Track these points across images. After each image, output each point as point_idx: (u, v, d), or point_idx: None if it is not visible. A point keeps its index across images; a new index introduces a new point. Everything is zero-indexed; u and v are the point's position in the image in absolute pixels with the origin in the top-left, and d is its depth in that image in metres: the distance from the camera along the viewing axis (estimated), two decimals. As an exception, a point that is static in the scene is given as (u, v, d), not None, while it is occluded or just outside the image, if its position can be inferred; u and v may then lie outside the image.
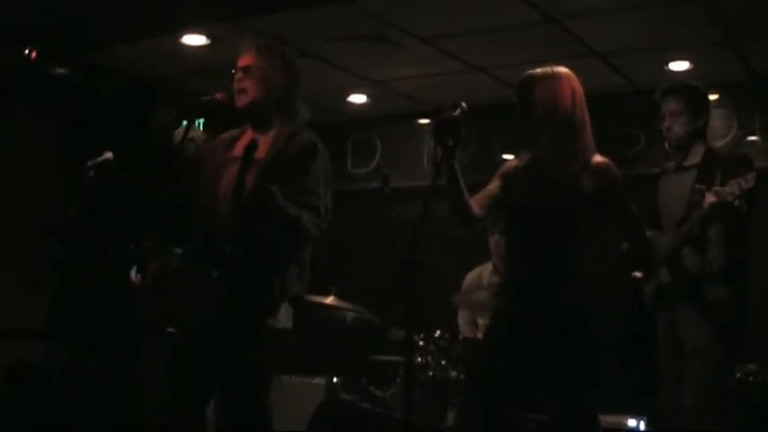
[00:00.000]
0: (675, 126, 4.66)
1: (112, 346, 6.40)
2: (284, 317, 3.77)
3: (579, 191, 3.42)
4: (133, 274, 5.57)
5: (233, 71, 3.92)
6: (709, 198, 4.29)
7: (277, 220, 3.65)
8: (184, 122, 5.72)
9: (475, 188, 3.60)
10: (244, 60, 3.93)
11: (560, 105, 3.49)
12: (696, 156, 4.64)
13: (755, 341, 4.88)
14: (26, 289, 6.87)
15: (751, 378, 5.50)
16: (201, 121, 7.96)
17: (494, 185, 3.65)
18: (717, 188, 4.29)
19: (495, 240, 6.38)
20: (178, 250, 5.60)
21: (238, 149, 3.87)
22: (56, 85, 6.73)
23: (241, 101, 3.89)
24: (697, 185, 4.50)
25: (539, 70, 3.58)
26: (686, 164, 4.68)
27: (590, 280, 3.45)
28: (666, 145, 4.81)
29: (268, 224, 3.67)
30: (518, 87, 3.61)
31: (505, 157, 7.41)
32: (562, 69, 3.58)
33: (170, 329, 5.61)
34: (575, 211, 3.43)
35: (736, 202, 4.23)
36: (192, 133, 5.66)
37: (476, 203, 3.54)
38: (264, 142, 3.83)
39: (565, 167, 3.45)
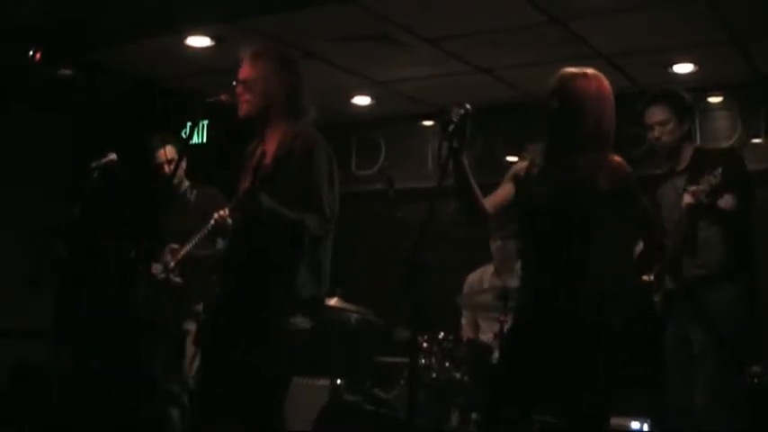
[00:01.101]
0: (664, 135, 4.72)
1: (113, 346, 6.41)
2: (300, 319, 3.76)
3: (599, 192, 3.39)
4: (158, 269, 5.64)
5: (233, 83, 3.93)
6: (687, 199, 4.36)
7: (275, 224, 3.65)
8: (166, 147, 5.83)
9: (479, 189, 3.57)
10: (242, 72, 3.94)
11: (605, 120, 3.46)
12: (686, 160, 4.68)
13: (760, 343, 4.87)
14: (27, 289, 6.88)
15: (756, 380, 5.50)
16: (206, 122, 8.03)
17: (507, 189, 3.60)
18: (692, 188, 4.34)
19: (496, 246, 6.39)
20: (174, 245, 5.64)
21: (254, 160, 3.88)
22: (56, 85, 6.73)
23: (242, 111, 3.92)
24: (688, 187, 4.52)
25: (584, 74, 3.47)
26: (679, 169, 4.72)
27: (608, 280, 3.43)
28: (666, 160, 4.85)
29: (267, 229, 3.67)
30: (562, 87, 3.47)
31: (509, 159, 7.43)
32: (598, 74, 3.53)
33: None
34: (595, 213, 3.40)
35: (709, 199, 4.25)
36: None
37: (488, 204, 3.52)
38: (271, 147, 3.84)
39: (582, 171, 3.41)
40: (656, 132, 4.73)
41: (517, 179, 3.60)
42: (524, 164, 3.63)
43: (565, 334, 3.36)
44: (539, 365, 3.39)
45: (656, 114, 4.73)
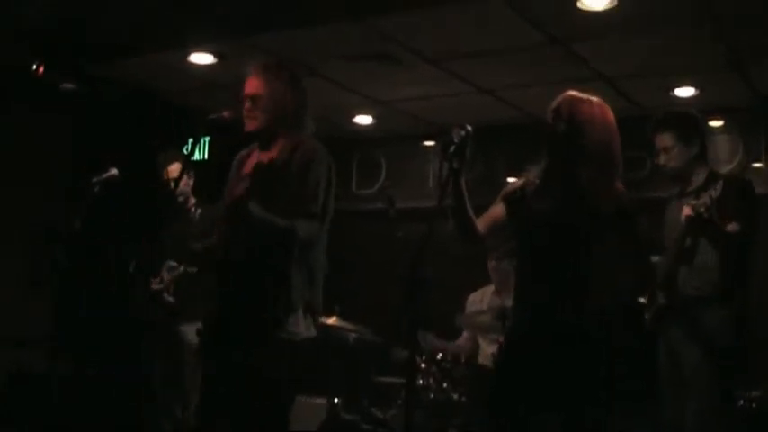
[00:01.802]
0: (671, 162, 4.68)
1: (112, 349, 6.40)
2: (304, 326, 3.75)
3: (600, 213, 3.40)
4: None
5: (242, 96, 3.89)
6: (686, 211, 4.32)
7: (266, 233, 3.65)
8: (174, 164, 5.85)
9: (479, 209, 3.59)
10: (250, 87, 3.88)
11: (616, 139, 3.47)
12: (698, 181, 4.65)
13: (759, 367, 4.85)
14: (27, 290, 6.87)
15: (754, 405, 5.48)
16: (208, 138, 8.04)
17: (498, 210, 3.62)
18: (692, 201, 4.32)
19: (492, 266, 6.39)
20: (173, 263, 5.63)
21: (248, 167, 3.89)
22: (57, 90, 6.76)
23: (250, 126, 3.88)
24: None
25: (589, 100, 3.50)
26: (689, 190, 4.68)
27: (603, 301, 3.42)
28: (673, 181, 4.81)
29: (258, 237, 3.67)
30: (564, 109, 3.48)
31: (510, 179, 7.44)
32: (603, 103, 3.55)
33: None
34: (586, 233, 3.41)
35: (708, 213, 4.21)
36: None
37: (480, 225, 3.53)
38: (270, 156, 3.84)
39: (581, 192, 3.42)
40: (662, 159, 4.70)
41: (509, 199, 3.61)
42: (518, 183, 3.64)
43: (559, 349, 3.36)
44: (533, 381, 3.39)
45: (662, 140, 4.69)
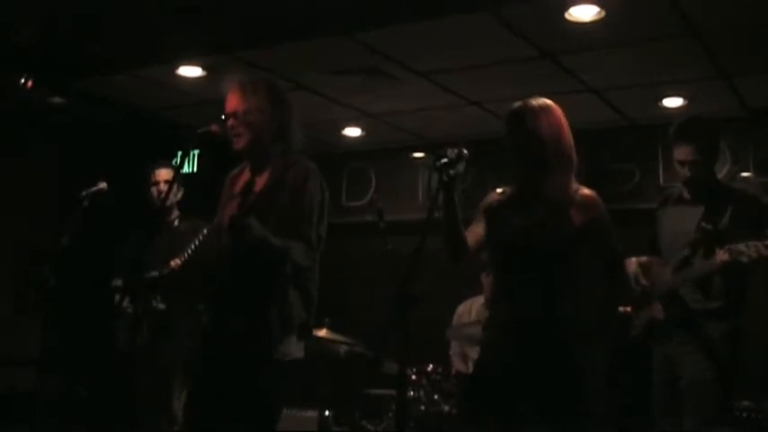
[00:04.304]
0: (701, 173, 4.49)
1: (98, 367, 6.37)
2: (294, 347, 3.75)
3: (567, 224, 3.41)
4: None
5: (222, 116, 3.87)
6: (722, 255, 4.17)
7: (262, 252, 3.65)
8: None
9: (468, 222, 3.60)
10: (231, 104, 3.87)
11: (564, 138, 3.48)
12: (705, 190, 4.54)
13: (751, 378, 4.85)
14: (14, 316, 6.84)
15: (744, 414, 5.49)
16: (197, 152, 8.02)
17: (479, 225, 3.63)
18: (732, 246, 4.15)
19: (489, 281, 6.38)
20: (154, 273, 5.60)
21: (239, 185, 3.90)
22: (46, 112, 6.74)
23: (238, 144, 3.87)
24: (703, 224, 4.42)
25: (533, 102, 3.55)
26: (694, 198, 4.57)
27: (577, 314, 3.42)
28: (686, 191, 4.70)
29: (254, 255, 3.67)
30: (514, 117, 3.54)
31: (498, 191, 7.45)
32: (550, 102, 3.57)
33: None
34: (562, 245, 3.41)
35: (748, 264, 4.11)
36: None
37: (469, 240, 3.54)
38: (263, 175, 3.85)
39: (554, 202, 3.43)
40: (685, 171, 4.50)
41: (487, 213, 3.63)
42: (494, 196, 3.66)
43: (533, 365, 3.36)
44: (506, 394, 3.39)
45: (689, 152, 4.47)
